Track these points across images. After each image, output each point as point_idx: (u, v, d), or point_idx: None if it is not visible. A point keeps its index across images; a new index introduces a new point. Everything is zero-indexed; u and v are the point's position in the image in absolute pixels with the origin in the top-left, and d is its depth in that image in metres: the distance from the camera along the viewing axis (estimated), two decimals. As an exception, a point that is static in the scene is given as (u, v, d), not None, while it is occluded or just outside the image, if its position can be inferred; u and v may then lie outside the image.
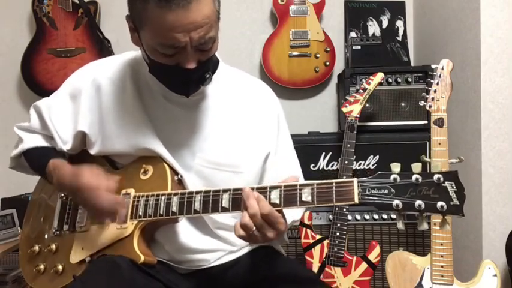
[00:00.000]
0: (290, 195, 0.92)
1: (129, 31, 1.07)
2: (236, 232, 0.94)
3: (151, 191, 1.08)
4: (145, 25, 0.98)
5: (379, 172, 0.87)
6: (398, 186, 0.85)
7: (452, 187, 0.83)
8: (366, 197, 0.87)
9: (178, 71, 1.02)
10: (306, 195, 0.91)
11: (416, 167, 0.86)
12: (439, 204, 0.83)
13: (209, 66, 1.07)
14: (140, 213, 1.07)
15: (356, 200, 0.87)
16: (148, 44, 1.01)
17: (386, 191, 0.86)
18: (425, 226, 0.86)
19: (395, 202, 0.85)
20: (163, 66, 1.02)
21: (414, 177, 0.85)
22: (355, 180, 0.88)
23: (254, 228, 0.92)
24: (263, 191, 0.94)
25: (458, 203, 0.82)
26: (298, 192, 0.92)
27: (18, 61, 2.33)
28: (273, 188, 0.94)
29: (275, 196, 0.93)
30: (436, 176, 0.83)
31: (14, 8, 2.49)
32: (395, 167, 0.87)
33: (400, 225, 0.88)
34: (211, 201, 0.99)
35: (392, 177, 0.86)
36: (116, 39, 2.41)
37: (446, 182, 0.83)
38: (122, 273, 0.99)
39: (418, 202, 0.84)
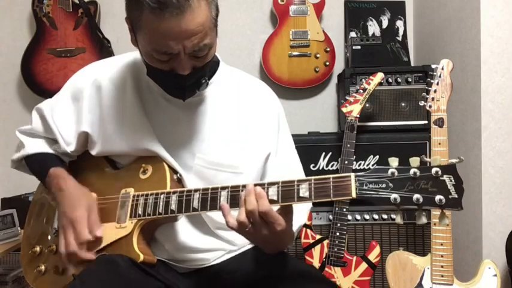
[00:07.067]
0: (288, 191, 0.92)
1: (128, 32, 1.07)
2: (228, 223, 0.93)
3: (150, 190, 1.08)
4: (140, 30, 0.99)
5: (376, 166, 0.86)
6: (396, 180, 0.84)
7: (451, 180, 0.82)
8: (364, 192, 0.86)
9: (172, 76, 1.03)
10: (304, 191, 0.91)
11: (414, 161, 0.85)
12: (437, 197, 0.82)
13: (205, 71, 1.07)
14: (139, 212, 1.07)
15: (354, 195, 0.86)
16: (144, 48, 1.02)
17: (384, 185, 0.85)
18: (423, 220, 0.85)
19: (393, 196, 0.84)
20: (159, 70, 1.03)
21: (412, 171, 0.84)
22: (352, 174, 0.88)
23: (250, 225, 0.92)
24: (261, 187, 0.94)
25: (456, 196, 0.81)
26: (295, 188, 0.92)
27: (18, 61, 2.32)
28: (270, 184, 0.94)
29: (273, 192, 0.93)
30: (434, 170, 0.82)
31: (14, 8, 2.50)
32: (393, 161, 0.86)
33: (399, 220, 0.88)
34: (210, 199, 0.99)
35: (390, 171, 0.85)
36: (116, 39, 2.42)
37: (444, 176, 0.82)
38: (121, 272, 0.99)
39: (416, 196, 0.83)
